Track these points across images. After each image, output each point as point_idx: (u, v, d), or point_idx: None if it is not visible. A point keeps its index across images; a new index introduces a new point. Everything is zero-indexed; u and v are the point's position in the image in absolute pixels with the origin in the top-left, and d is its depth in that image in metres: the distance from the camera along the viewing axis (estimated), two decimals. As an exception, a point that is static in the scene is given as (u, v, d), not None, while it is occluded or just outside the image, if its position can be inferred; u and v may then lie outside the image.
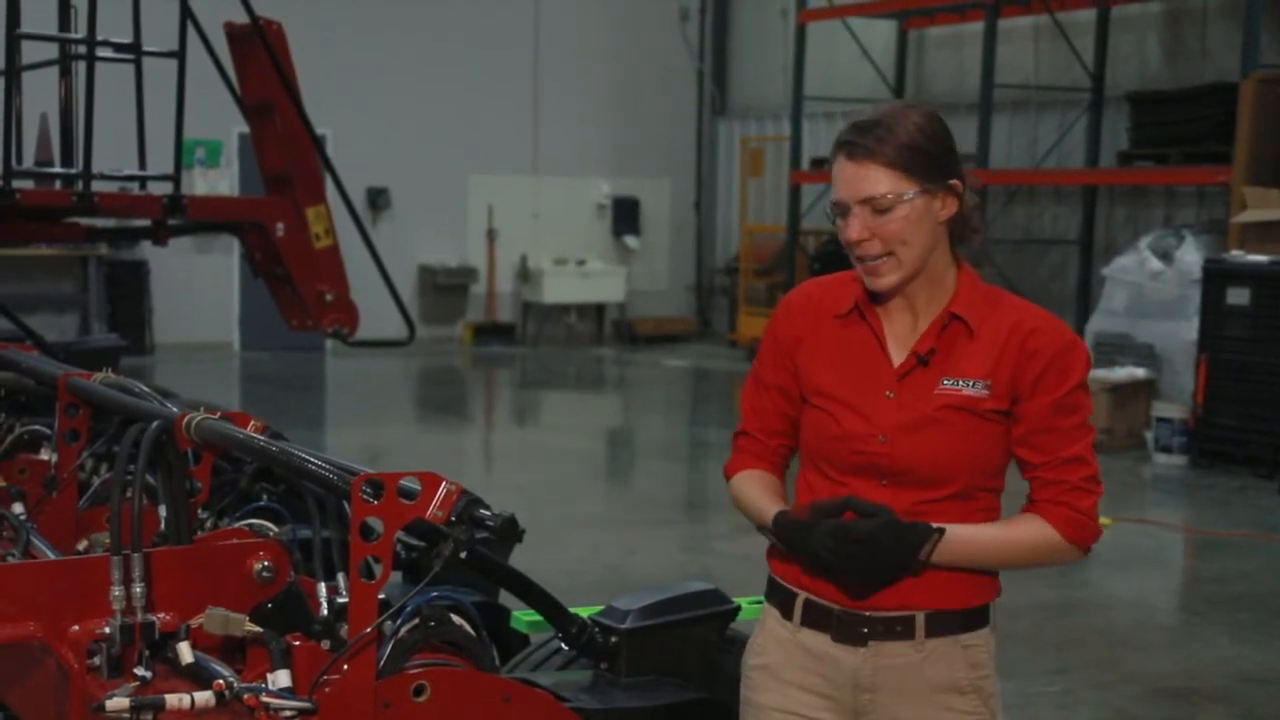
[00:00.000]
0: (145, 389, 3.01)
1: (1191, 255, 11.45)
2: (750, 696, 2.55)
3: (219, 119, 10.34)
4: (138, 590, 2.25)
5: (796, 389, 2.53)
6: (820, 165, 16.13)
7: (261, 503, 2.81)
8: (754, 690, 2.54)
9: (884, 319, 2.45)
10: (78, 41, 6.59)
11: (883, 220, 2.34)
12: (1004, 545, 2.39)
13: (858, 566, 2.32)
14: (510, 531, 2.16)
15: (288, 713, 2.06)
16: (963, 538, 2.35)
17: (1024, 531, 2.39)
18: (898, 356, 2.43)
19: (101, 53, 6.53)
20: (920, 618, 2.39)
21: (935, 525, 2.33)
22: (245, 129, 7.60)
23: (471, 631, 2.33)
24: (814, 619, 2.44)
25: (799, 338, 2.52)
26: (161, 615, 2.27)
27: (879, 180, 2.34)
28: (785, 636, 2.49)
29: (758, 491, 2.54)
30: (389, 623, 2.18)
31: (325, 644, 2.21)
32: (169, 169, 6.87)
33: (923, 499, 2.38)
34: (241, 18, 7.05)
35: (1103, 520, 8.34)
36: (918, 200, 2.34)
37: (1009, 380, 2.38)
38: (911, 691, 2.41)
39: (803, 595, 2.46)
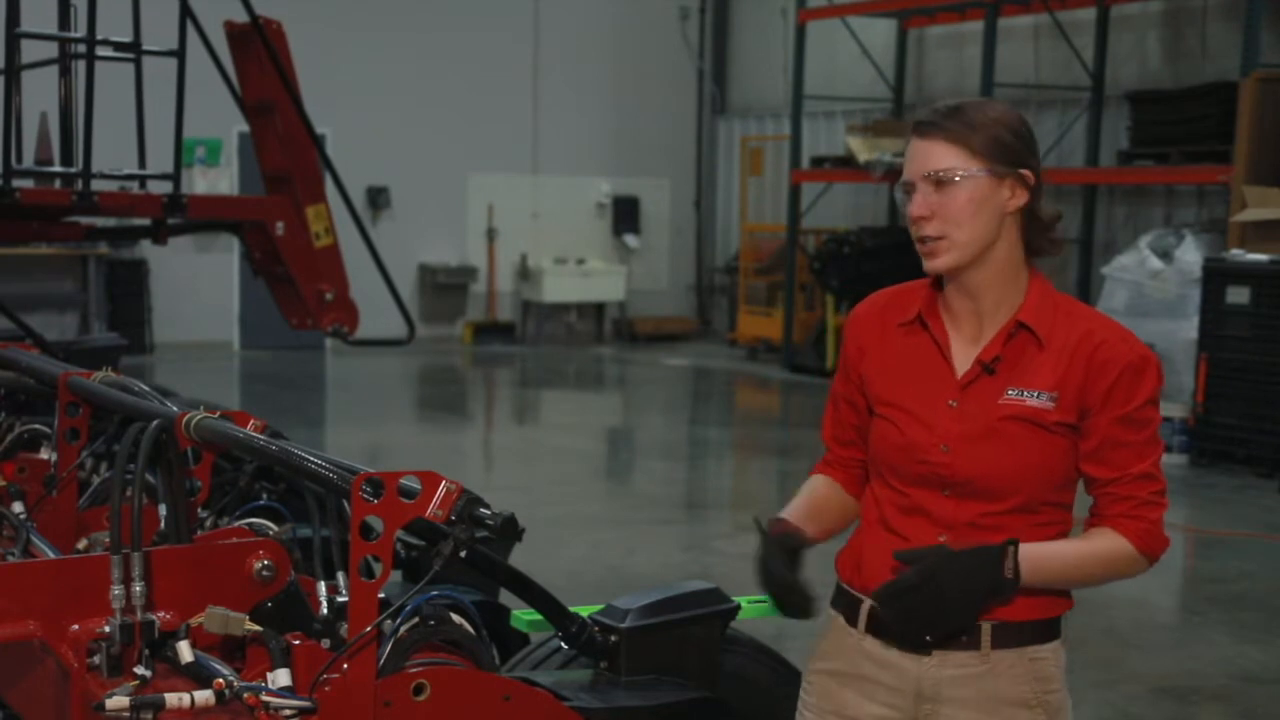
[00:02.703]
0: (145, 388, 3.01)
1: (1191, 254, 11.45)
2: (811, 701, 2.53)
3: (219, 118, 10.33)
4: (137, 589, 2.25)
5: (863, 401, 2.51)
6: (821, 164, 16.13)
7: (261, 502, 2.82)
8: (815, 695, 2.52)
9: (949, 326, 2.42)
10: (77, 40, 6.57)
11: (943, 198, 2.32)
12: (1084, 560, 2.35)
13: (929, 613, 2.29)
14: (510, 530, 2.16)
15: (288, 711, 2.06)
16: (1043, 554, 2.31)
17: (1100, 546, 2.35)
18: (961, 365, 2.39)
19: (101, 51, 6.52)
20: (986, 628, 2.34)
21: (1005, 540, 2.29)
22: (245, 128, 7.59)
23: (471, 630, 2.33)
24: (878, 626, 2.41)
25: (863, 349, 2.50)
26: (161, 614, 2.27)
27: (942, 155, 2.32)
28: (849, 643, 2.46)
29: (800, 496, 2.58)
30: (389, 622, 2.18)
31: (325, 643, 2.21)
32: (169, 168, 6.86)
33: (986, 510, 2.34)
34: (241, 17, 7.04)
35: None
36: (981, 180, 2.31)
37: (1077, 393, 2.32)
38: (975, 703, 2.36)
39: (868, 602, 2.42)
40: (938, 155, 2.32)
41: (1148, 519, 2.34)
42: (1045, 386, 2.33)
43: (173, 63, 6.77)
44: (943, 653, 2.36)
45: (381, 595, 2.15)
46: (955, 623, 2.32)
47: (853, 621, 2.46)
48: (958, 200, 2.31)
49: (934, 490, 2.37)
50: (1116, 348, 2.33)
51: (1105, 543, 2.35)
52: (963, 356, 2.40)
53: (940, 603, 2.27)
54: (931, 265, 2.36)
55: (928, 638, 2.35)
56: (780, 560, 2.39)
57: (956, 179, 2.31)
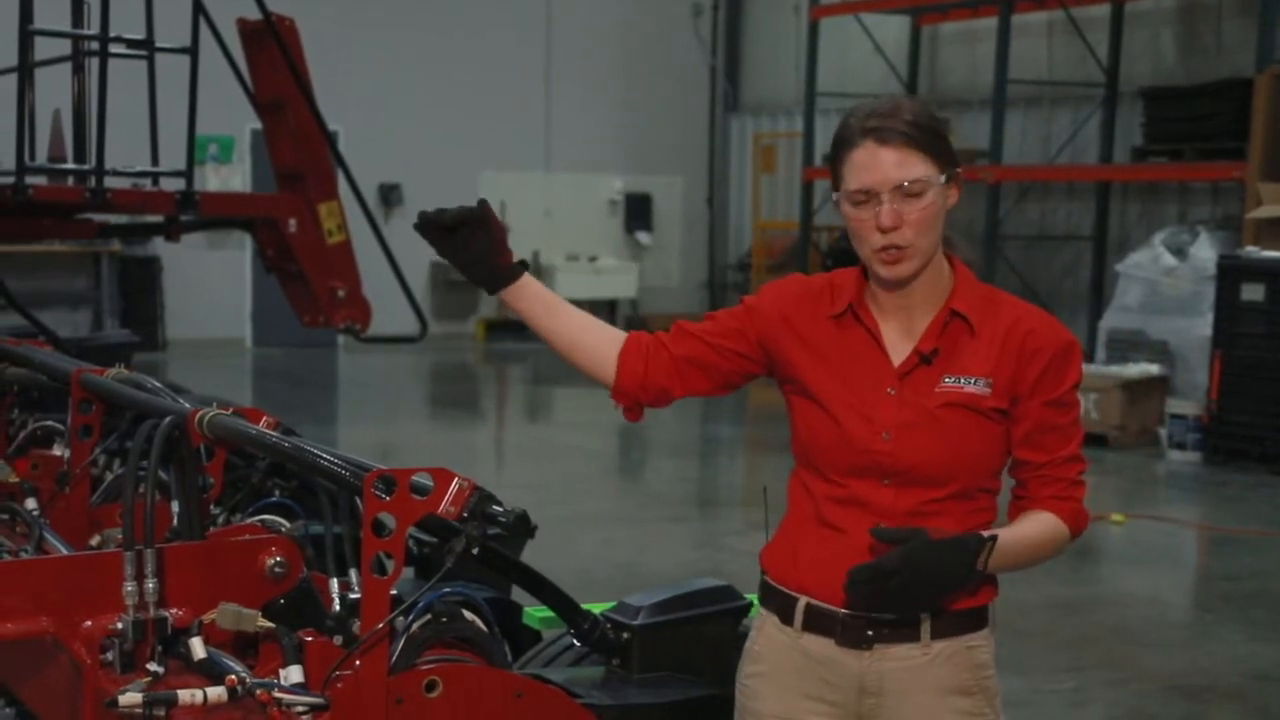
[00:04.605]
0: (158, 385, 3.02)
1: (1206, 251, 11.42)
2: (749, 705, 2.51)
3: (231, 115, 10.34)
4: (150, 586, 2.25)
5: (748, 364, 2.53)
6: (833, 161, 16.11)
7: (274, 498, 2.82)
8: (753, 699, 2.50)
9: (879, 319, 2.42)
10: (91, 38, 6.59)
11: (911, 206, 2.31)
12: (1036, 544, 2.40)
13: (900, 599, 2.29)
14: (522, 527, 2.17)
15: (300, 708, 2.06)
16: (1004, 544, 2.33)
17: (1044, 529, 2.41)
18: (897, 355, 2.40)
19: (114, 49, 6.53)
20: (926, 619, 2.37)
21: (985, 534, 2.31)
22: (258, 125, 7.60)
23: (484, 627, 2.33)
24: (816, 623, 2.41)
25: (790, 324, 2.46)
26: (174, 611, 2.28)
27: (916, 164, 2.31)
28: (785, 642, 2.45)
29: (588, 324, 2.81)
30: (401, 618, 2.18)
31: (338, 639, 2.21)
32: (181, 165, 6.88)
33: (926, 499, 2.36)
34: (254, 14, 7.05)
35: (1116, 517, 8.32)
36: (942, 187, 2.33)
37: (1009, 380, 2.37)
38: (918, 694, 2.39)
39: (804, 600, 2.42)
40: (911, 164, 2.31)
41: (1076, 499, 2.44)
42: (980, 373, 2.37)
43: (185, 60, 6.79)
44: (883, 646, 2.38)
45: (394, 592, 2.15)
46: (917, 609, 2.35)
47: (788, 620, 2.45)
48: (923, 209, 2.32)
49: (873, 480, 2.37)
50: (1045, 335, 2.39)
51: (1046, 525, 2.41)
52: (897, 346, 2.41)
53: (912, 590, 2.28)
54: (897, 272, 2.34)
55: (870, 632, 2.36)
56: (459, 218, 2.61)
57: (924, 190, 2.31)
